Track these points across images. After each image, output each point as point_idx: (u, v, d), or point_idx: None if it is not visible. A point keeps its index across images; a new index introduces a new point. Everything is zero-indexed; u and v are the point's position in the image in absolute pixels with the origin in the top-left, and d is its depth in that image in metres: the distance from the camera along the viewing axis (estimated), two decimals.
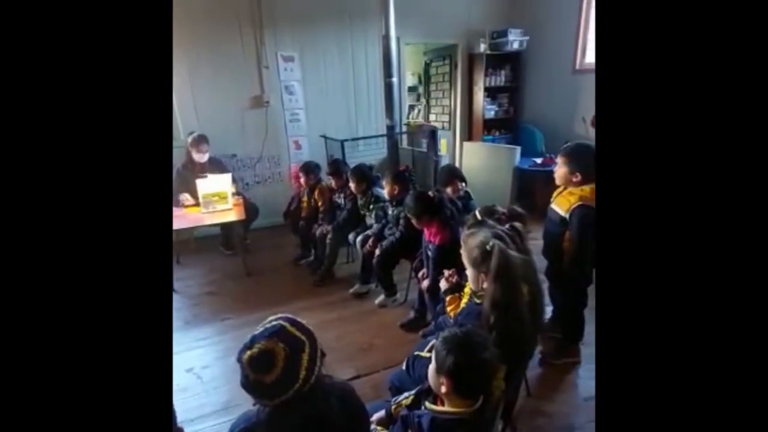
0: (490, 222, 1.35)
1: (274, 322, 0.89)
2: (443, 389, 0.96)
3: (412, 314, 2.47)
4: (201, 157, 3.38)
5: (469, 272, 1.27)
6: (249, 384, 0.83)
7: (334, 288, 3.00)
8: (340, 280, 3.10)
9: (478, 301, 1.25)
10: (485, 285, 1.17)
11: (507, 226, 1.33)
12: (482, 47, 4.59)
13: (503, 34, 4.52)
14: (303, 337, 0.88)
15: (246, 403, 1.89)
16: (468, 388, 0.96)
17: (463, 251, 1.30)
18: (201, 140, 3.36)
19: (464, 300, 1.43)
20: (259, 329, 0.88)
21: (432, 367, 1.00)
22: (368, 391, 1.91)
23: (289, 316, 0.92)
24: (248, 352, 0.83)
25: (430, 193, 2.12)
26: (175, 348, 2.39)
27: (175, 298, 2.99)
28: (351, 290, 2.88)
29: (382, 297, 2.74)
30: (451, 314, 1.53)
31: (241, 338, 2.61)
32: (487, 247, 1.16)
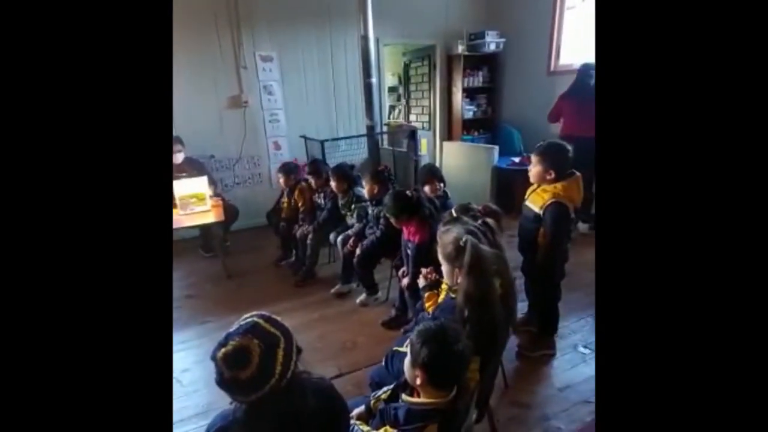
0: (465, 219, 1.39)
1: (248, 319, 0.90)
2: (418, 381, 0.99)
3: (393, 312, 2.50)
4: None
5: (444, 268, 1.31)
6: (224, 381, 0.83)
7: (315, 288, 3.00)
8: (321, 280, 3.10)
9: (453, 296, 1.28)
10: (459, 280, 1.21)
11: (479, 222, 1.37)
12: (460, 48, 4.66)
13: (480, 35, 4.60)
14: (278, 333, 0.88)
15: (226, 406, 1.89)
16: (442, 379, 0.99)
17: (438, 247, 1.34)
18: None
19: (442, 296, 1.46)
20: (233, 327, 0.89)
21: (407, 360, 1.03)
22: (351, 389, 1.93)
23: (264, 313, 0.93)
24: (223, 350, 0.83)
25: (408, 193, 2.16)
26: None
27: None
28: (333, 290, 2.89)
29: (363, 296, 2.76)
30: (429, 310, 1.57)
31: None
32: (461, 243, 1.20)
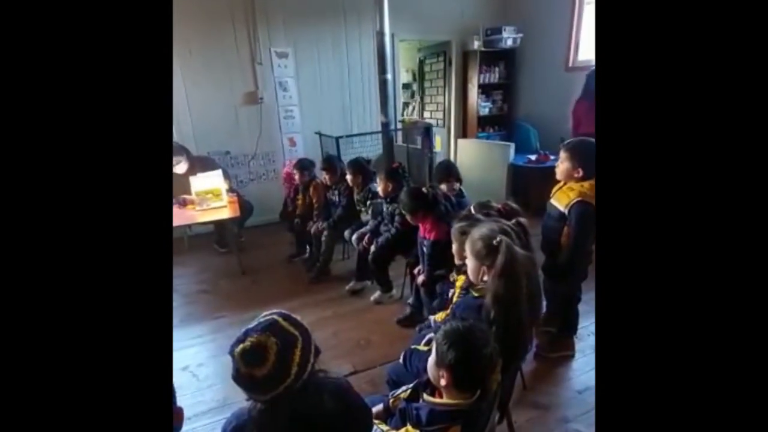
0: (481, 217, 1.35)
1: (267, 317, 0.89)
2: (443, 382, 0.96)
3: (408, 310, 2.48)
4: (180, 168, 3.27)
5: (470, 264, 1.26)
6: (240, 378, 0.83)
7: (330, 285, 2.99)
8: (335, 278, 3.09)
9: (475, 294, 1.25)
10: (485, 278, 1.17)
11: (513, 221, 1.33)
12: (476, 44, 4.59)
13: (497, 31, 4.53)
14: (296, 333, 0.87)
15: (242, 401, 1.89)
16: (467, 382, 0.97)
17: (466, 243, 1.28)
18: (176, 151, 3.21)
19: (456, 292, 1.43)
20: (252, 324, 0.88)
21: (432, 360, 1.00)
22: (366, 387, 1.91)
23: (283, 311, 0.92)
24: (240, 346, 0.82)
25: (424, 190, 2.13)
26: None
27: None
28: (347, 287, 2.88)
29: (378, 293, 2.74)
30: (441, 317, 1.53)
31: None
32: (494, 242, 1.16)
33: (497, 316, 1.11)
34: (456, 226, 1.30)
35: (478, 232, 1.23)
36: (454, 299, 1.43)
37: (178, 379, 2.07)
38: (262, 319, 0.88)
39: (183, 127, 3.72)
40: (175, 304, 2.86)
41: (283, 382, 0.82)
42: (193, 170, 3.31)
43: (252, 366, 0.81)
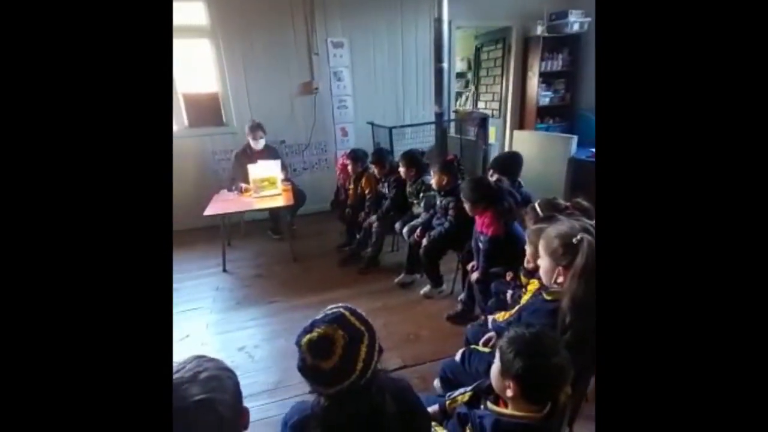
0: (562, 217, 1.25)
1: (334, 310, 0.87)
2: (509, 393, 0.90)
3: (459, 306, 2.41)
4: (257, 144, 3.49)
5: (544, 264, 1.17)
6: (306, 368, 0.82)
7: (379, 276, 2.99)
8: (385, 269, 3.08)
9: (548, 298, 1.16)
10: (560, 280, 1.08)
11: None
12: (539, 29, 4.33)
13: (563, 15, 4.23)
14: (362, 328, 0.85)
15: (295, 386, 1.93)
16: (537, 394, 0.90)
17: (540, 240, 1.19)
18: (256, 128, 3.47)
19: (526, 296, 1.35)
20: (319, 315, 0.87)
21: (496, 368, 0.94)
22: (415, 383, 1.88)
23: (349, 305, 0.90)
24: (307, 336, 0.81)
25: (491, 181, 2.03)
26: (228, 327, 2.50)
27: (228, 278, 3.12)
28: (396, 279, 2.86)
29: (428, 288, 2.69)
30: (503, 317, 1.45)
31: (289, 321, 2.64)
32: (574, 240, 1.06)
33: (574, 321, 1.02)
34: (532, 228, 1.21)
35: (556, 229, 1.14)
36: (522, 302, 1.35)
37: (235, 358, 2.16)
38: (329, 312, 0.86)
39: (243, 116, 3.86)
40: (232, 286, 3.00)
41: (348, 377, 0.81)
42: (262, 154, 3.46)
43: (319, 358, 0.80)
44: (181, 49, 3.79)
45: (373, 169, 3.12)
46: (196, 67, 3.90)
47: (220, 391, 0.73)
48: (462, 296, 2.43)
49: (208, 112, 3.98)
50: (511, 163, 2.53)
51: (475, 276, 2.15)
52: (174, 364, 0.78)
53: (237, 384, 0.80)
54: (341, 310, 0.86)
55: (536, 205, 1.66)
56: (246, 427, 0.81)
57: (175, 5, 3.64)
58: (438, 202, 2.65)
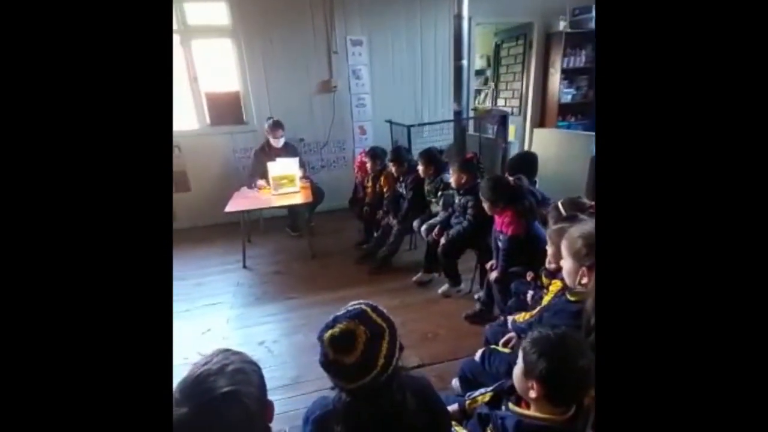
0: (585, 217, 1.22)
1: (356, 306, 0.88)
2: (533, 394, 0.89)
3: (477, 306, 2.39)
4: (277, 142, 3.54)
5: (567, 265, 1.15)
6: (328, 363, 0.82)
7: (397, 275, 2.98)
8: (402, 267, 3.08)
9: (571, 299, 1.14)
10: (584, 281, 1.06)
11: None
12: (561, 25, 4.24)
13: (586, 10, 4.14)
14: (384, 325, 0.85)
15: (313, 381, 1.95)
16: (561, 396, 0.88)
17: (563, 241, 1.17)
18: (276, 126, 3.52)
19: (548, 297, 1.32)
20: (341, 311, 0.87)
21: (519, 369, 0.93)
22: (433, 381, 1.85)
23: (371, 302, 0.90)
24: (329, 332, 0.82)
25: (511, 180, 2.01)
26: (247, 322, 2.54)
27: (247, 275, 3.17)
28: (414, 278, 2.85)
29: (446, 286, 2.67)
30: (523, 318, 1.43)
31: (307, 317, 2.65)
32: None
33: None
34: (554, 228, 1.19)
35: (579, 229, 1.11)
36: (543, 302, 1.33)
37: (255, 353, 2.19)
38: (350, 308, 0.87)
39: (263, 115, 3.91)
40: (251, 282, 3.05)
41: (370, 373, 0.81)
42: (281, 151, 3.52)
43: (341, 353, 0.80)
44: (204, 48, 3.87)
45: (391, 167, 3.12)
46: (217, 67, 3.97)
47: (246, 383, 0.75)
48: (481, 295, 2.41)
49: (229, 110, 4.05)
50: (522, 163, 2.49)
51: (494, 275, 2.13)
52: (200, 357, 0.80)
53: (262, 377, 0.81)
54: (363, 306, 0.87)
55: (559, 204, 1.63)
56: (270, 421, 0.83)
57: (198, 5, 3.72)
58: (456, 201, 2.63)
